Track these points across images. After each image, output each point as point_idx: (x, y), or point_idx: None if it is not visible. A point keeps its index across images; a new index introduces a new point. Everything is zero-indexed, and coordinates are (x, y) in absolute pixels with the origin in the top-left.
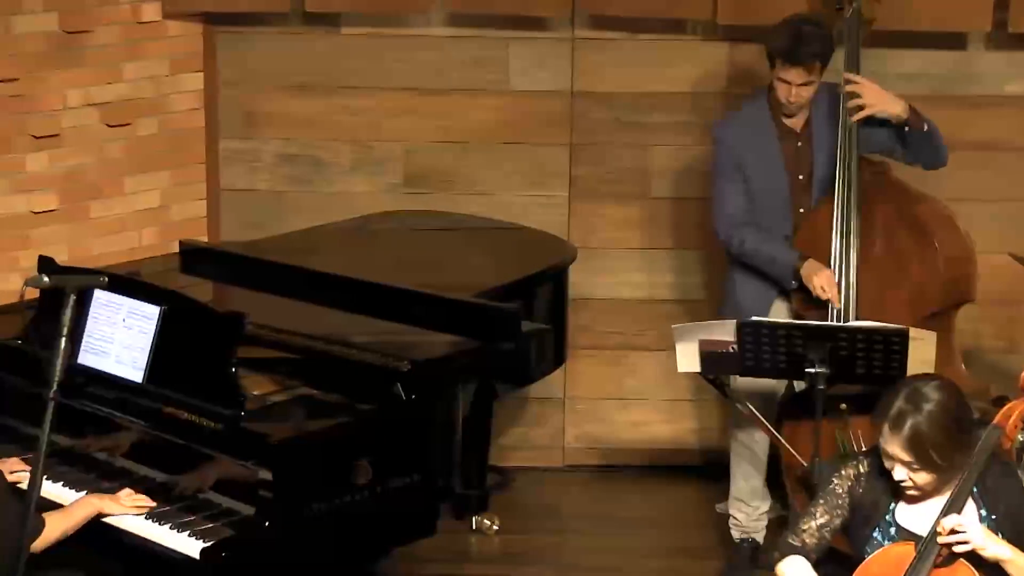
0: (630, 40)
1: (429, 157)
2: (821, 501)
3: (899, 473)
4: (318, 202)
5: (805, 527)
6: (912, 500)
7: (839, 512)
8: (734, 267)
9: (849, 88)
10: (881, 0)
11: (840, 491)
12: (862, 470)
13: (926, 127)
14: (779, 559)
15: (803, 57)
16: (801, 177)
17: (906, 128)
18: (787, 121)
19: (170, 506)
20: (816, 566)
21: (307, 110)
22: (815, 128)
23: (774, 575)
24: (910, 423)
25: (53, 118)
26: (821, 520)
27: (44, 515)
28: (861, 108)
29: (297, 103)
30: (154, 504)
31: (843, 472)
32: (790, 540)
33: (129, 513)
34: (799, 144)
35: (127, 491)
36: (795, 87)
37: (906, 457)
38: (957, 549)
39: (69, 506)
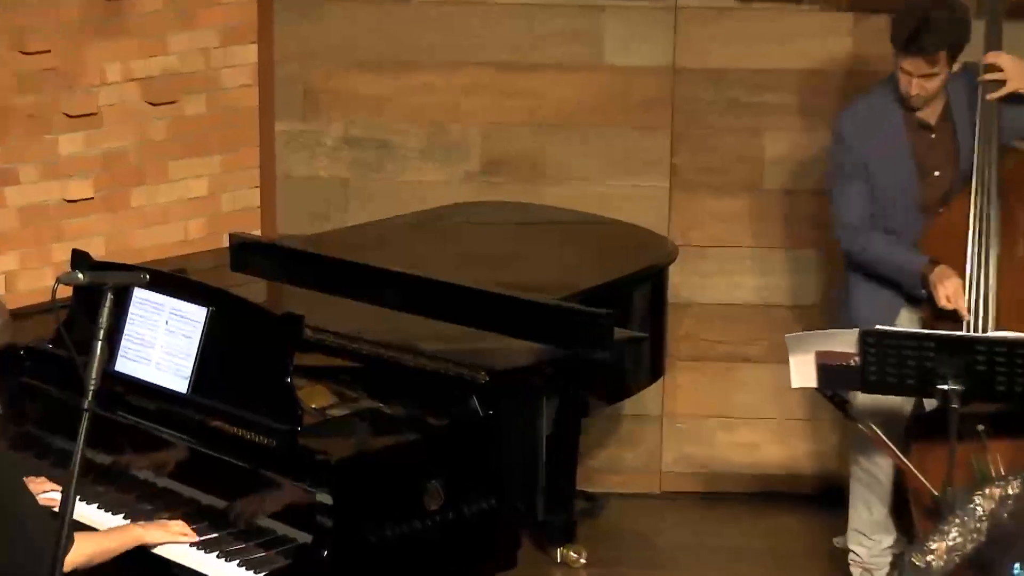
0: (741, 10)
1: (510, 141)
2: (957, 521)
3: None
4: (386, 191)
5: (934, 547)
6: None
7: (974, 536)
8: (854, 273)
9: (989, 60)
10: None
11: (980, 513)
12: (1011, 492)
13: None
14: None
15: (923, 47)
16: (937, 174)
17: None
18: (918, 112)
19: (218, 532)
20: None
21: (374, 88)
22: (957, 117)
23: None
24: None
25: (90, 95)
26: (953, 542)
27: (76, 534)
28: (1002, 85)
29: (363, 80)
30: (199, 537)
31: (987, 491)
32: (914, 560)
33: (176, 541)
34: (933, 136)
35: (177, 521)
36: (915, 79)
37: None
38: None
39: (106, 531)
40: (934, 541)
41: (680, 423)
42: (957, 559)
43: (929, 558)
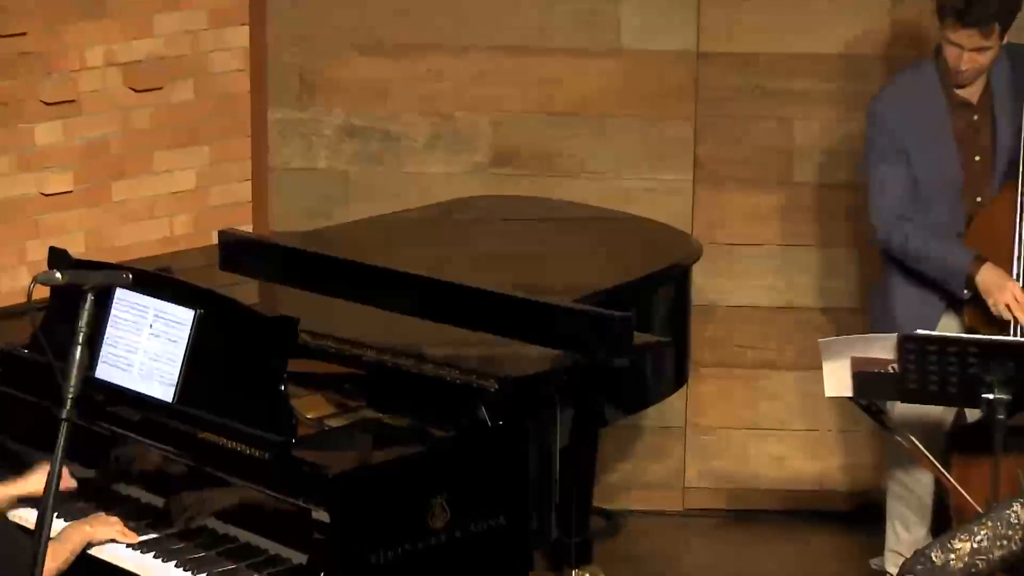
0: None
1: (522, 132)
2: (987, 523)
3: None
4: (388, 185)
5: (957, 546)
6: None
7: (1004, 544)
8: (891, 272)
9: None
10: None
11: (1015, 520)
12: None
13: None
14: (902, 572)
15: (978, 18)
16: (978, 159)
17: None
18: (960, 91)
19: (205, 551)
20: None
21: (377, 74)
22: (996, 97)
23: None
24: None
25: (69, 81)
26: (979, 544)
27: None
28: None
29: (365, 65)
30: (137, 537)
31: None
32: (931, 554)
33: (118, 539)
34: (975, 117)
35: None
36: (966, 52)
37: None
38: None
39: (55, 540)
40: (960, 540)
41: (705, 435)
42: (980, 563)
43: (950, 556)
